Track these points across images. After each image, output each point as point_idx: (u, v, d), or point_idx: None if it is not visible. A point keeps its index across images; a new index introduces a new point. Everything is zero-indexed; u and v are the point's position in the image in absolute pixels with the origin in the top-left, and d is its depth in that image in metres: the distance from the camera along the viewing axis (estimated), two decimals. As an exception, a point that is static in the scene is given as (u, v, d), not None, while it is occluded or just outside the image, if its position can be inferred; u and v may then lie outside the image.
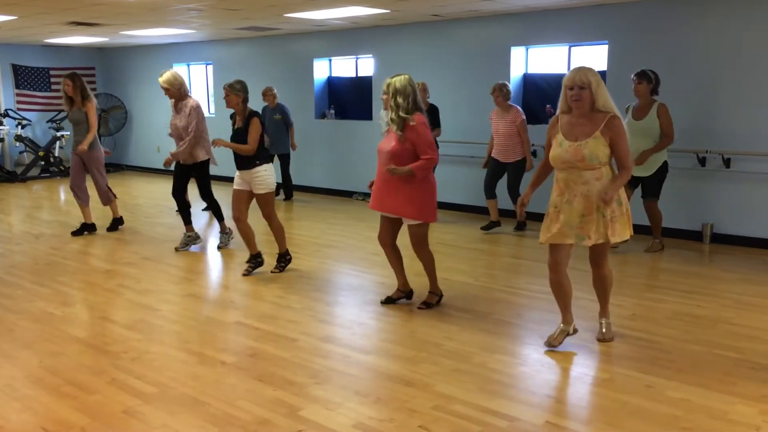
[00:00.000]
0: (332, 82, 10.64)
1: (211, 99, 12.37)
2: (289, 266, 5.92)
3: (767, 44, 6.45)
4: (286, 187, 9.75)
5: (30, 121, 12.70)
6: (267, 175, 5.53)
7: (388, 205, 4.56)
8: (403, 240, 4.79)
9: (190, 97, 6.45)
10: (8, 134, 12.51)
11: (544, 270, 5.58)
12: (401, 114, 4.36)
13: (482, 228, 7.53)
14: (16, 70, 12.85)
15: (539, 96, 8.26)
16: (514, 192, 7.35)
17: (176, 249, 6.67)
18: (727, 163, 6.77)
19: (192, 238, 6.78)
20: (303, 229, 7.79)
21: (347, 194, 10.13)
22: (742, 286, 5.38)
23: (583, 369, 3.83)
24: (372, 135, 9.70)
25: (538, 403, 3.34)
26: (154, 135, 13.29)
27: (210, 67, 12.21)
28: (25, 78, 12.92)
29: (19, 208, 9.61)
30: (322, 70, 10.53)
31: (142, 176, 13.00)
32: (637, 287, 5.36)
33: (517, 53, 8.30)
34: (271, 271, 5.74)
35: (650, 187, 6.31)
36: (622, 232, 3.81)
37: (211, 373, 3.73)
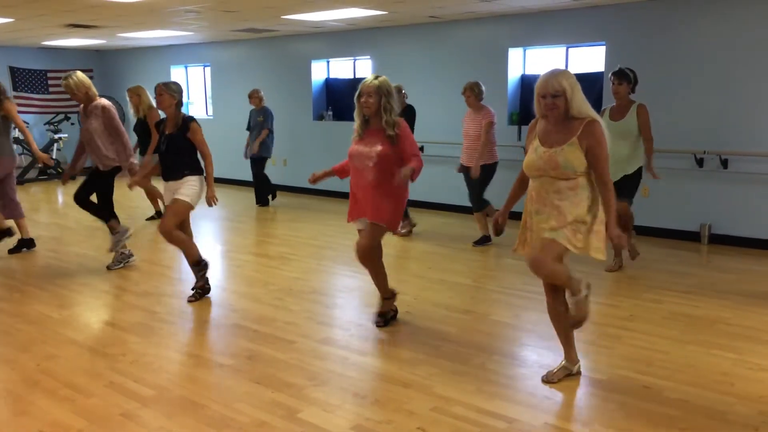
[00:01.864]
0: (330, 84, 10.65)
1: (209, 101, 12.37)
2: (286, 268, 5.91)
3: (764, 45, 6.46)
4: (267, 190, 9.60)
5: (27, 123, 12.68)
6: (193, 186, 4.99)
7: (367, 211, 4.30)
8: (387, 250, 4.70)
9: (100, 98, 5.97)
10: (6, 137, 12.49)
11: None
12: (394, 117, 4.20)
13: (474, 243, 7.01)
14: (14, 72, 12.83)
15: (532, 99, 8.25)
16: (477, 201, 6.85)
17: (112, 264, 6.07)
18: (724, 163, 6.78)
19: (122, 233, 6.13)
20: (300, 231, 7.79)
21: (345, 196, 10.11)
22: (740, 287, 5.38)
23: (581, 370, 3.82)
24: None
25: (537, 404, 3.34)
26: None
27: (208, 69, 12.20)
28: (23, 80, 12.90)
29: (17, 211, 9.58)
30: (319, 71, 10.53)
31: (140, 178, 12.98)
32: (634, 288, 5.36)
33: (514, 54, 8.30)
34: (187, 300, 5.10)
35: (626, 189, 5.68)
36: (597, 247, 3.38)
37: (209, 376, 3.72)
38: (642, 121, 5.62)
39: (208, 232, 8.12)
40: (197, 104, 12.93)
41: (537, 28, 7.95)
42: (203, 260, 5.18)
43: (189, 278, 5.94)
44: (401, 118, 4.28)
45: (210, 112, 12.33)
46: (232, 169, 11.30)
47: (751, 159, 6.58)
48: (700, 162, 6.93)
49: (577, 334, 4.36)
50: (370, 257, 4.39)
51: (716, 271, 5.97)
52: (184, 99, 5.15)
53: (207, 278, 5.21)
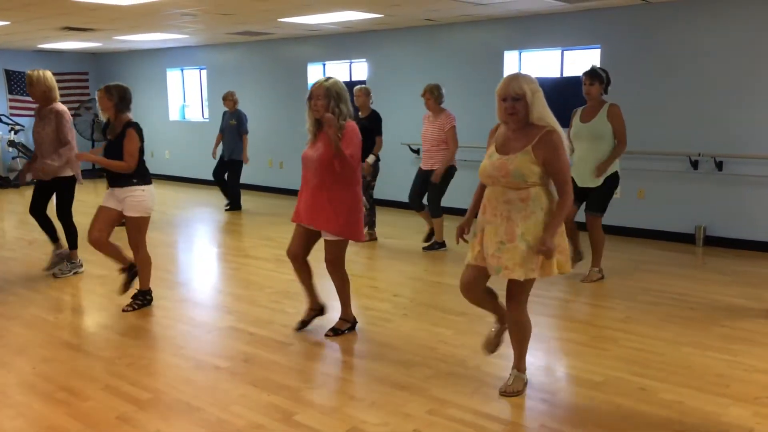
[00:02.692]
0: (326, 87, 10.64)
1: (205, 104, 12.37)
2: (283, 270, 5.90)
3: (758, 47, 6.50)
4: (234, 196, 9.38)
5: (23, 126, 12.65)
6: (144, 196, 4.76)
7: (312, 218, 4.14)
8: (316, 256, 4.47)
9: (57, 102, 5.71)
10: (1, 140, 12.47)
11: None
12: (341, 121, 4.03)
13: (424, 248, 6.85)
14: (9, 75, 12.81)
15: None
16: (434, 207, 6.67)
17: (54, 275, 5.86)
18: (719, 166, 6.81)
19: (62, 256, 5.96)
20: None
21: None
22: (735, 289, 5.40)
23: (577, 372, 3.84)
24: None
25: (533, 406, 3.35)
26: (148, 140, 13.11)
27: (204, 72, 12.20)
28: (18, 83, 12.87)
29: (12, 214, 9.57)
30: (316, 74, 10.54)
31: (135, 181, 12.97)
32: (630, 290, 5.38)
33: (510, 57, 8.32)
34: (123, 309, 4.91)
35: (596, 201, 5.48)
36: (561, 263, 3.26)
37: (205, 379, 3.72)
38: (617, 122, 5.32)
39: (204, 235, 8.12)
40: (193, 107, 12.93)
41: (532, 31, 7.98)
42: (134, 266, 5.03)
43: (185, 281, 5.94)
44: (351, 122, 4.07)
45: (206, 114, 12.32)
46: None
47: (745, 161, 6.60)
48: (694, 164, 6.96)
49: (573, 336, 4.39)
50: (337, 270, 4.30)
51: (711, 273, 5.99)
52: (131, 102, 4.92)
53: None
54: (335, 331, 4.38)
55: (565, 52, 8.04)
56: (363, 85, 7.20)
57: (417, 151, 8.77)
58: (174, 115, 12.88)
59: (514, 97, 3.14)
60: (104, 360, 3.99)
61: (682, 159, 7.05)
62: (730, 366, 3.83)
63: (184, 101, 12.85)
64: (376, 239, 7.32)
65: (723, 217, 6.88)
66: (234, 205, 9.40)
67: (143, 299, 4.98)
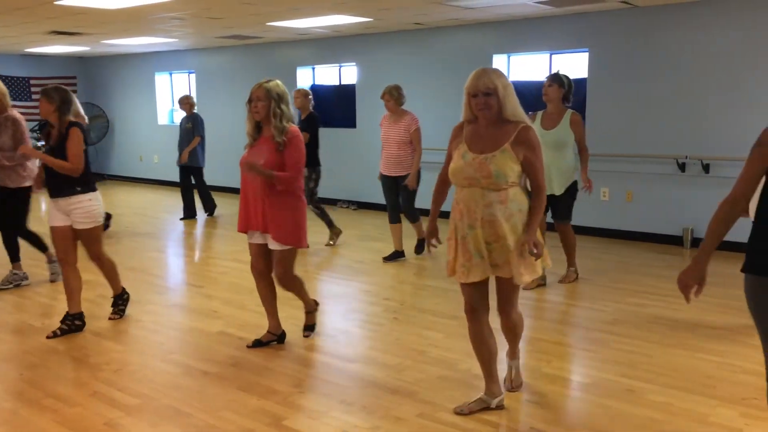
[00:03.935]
0: (315, 90, 10.64)
1: (195, 109, 12.30)
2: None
3: (744, 51, 6.56)
4: (207, 202, 9.16)
5: (10, 130, 12.56)
6: (91, 205, 4.43)
7: (263, 224, 4.02)
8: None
9: (11, 109, 5.47)
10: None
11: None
12: (284, 123, 3.90)
13: (384, 258, 6.60)
14: (-4, 79, 12.73)
15: (521, 103, 8.31)
16: (410, 212, 6.48)
17: (51, 281, 5.81)
18: (706, 168, 6.86)
19: (18, 277, 5.73)
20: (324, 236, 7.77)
21: (331, 202, 10.12)
22: (722, 290, 5.43)
23: (566, 374, 3.85)
24: (356, 142, 9.73)
25: (522, 408, 3.35)
26: (136, 144, 13.22)
27: (193, 76, 12.17)
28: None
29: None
30: (305, 78, 10.54)
31: (124, 186, 12.92)
32: (618, 292, 5.40)
33: (499, 61, 8.36)
34: (110, 317, 4.81)
35: (563, 209, 5.48)
36: (535, 267, 3.16)
37: (194, 384, 3.70)
38: (579, 130, 5.30)
39: (192, 239, 8.09)
40: (182, 111, 12.87)
41: (521, 34, 8.01)
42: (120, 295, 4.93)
43: (174, 286, 5.92)
44: (294, 127, 3.96)
45: (195, 118, 12.28)
46: (215, 177, 11.27)
47: (732, 164, 6.66)
48: (682, 167, 7.01)
49: (562, 338, 4.41)
50: (290, 283, 4.21)
51: (699, 274, 6.01)
52: (77, 105, 4.52)
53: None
54: (311, 328, 4.46)
55: (553, 56, 8.09)
56: (302, 87, 7.15)
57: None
58: (163, 119, 12.83)
59: (485, 92, 3.01)
60: (92, 366, 3.97)
61: (669, 162, 7.10)
62: (718, 367, 3.86)
63: (172, 105, 12.80)
64: (340, 231, 7.35)
65: (710, 219, 6.92)
66: (211, 211, 9.19)
67: (122, 301, 4.91)
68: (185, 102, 9.08)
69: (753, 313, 2.37)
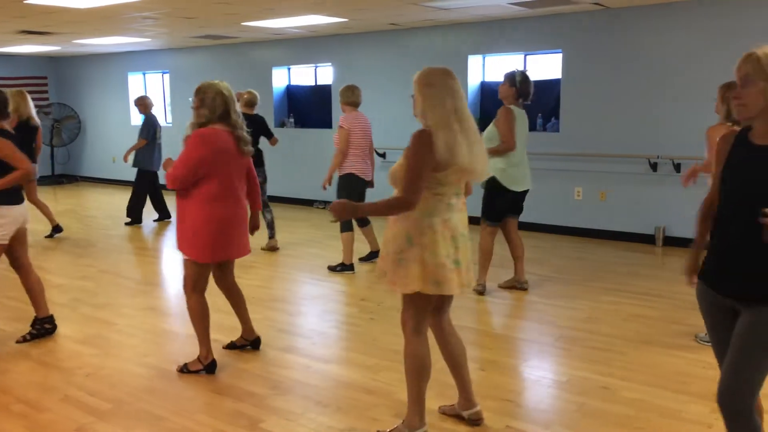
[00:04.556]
0: (291, 91, 10.61)
1: (168, 108, 12.21)
2: (248, 276, 5.84)
3: (712, 52, 6.67)
4: (135, 207, 8.68)
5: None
6: (5, 221, 4.07)
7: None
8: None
9: None
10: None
11: (504, 275, 5.66)
12: (194, 121, 3.72)
13: (360, 258, 6.43)
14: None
15: (496, 104, 8.34)
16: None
17: None
18: (677, 168, 6.97)
19: None
20: (261, 239, 7.72)
21: (308, 203, 10.09)
22: (694, 288, 5.52)
23: (542, 372, 3.88)
24: (332, 143, 9.68)
25: (498, 407, 3.37)
26: (109, 145, 13.04)
27: (167, 76, 12.05)
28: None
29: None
30: (281, 78, 10.49)
31: (96, 187, 12.73)
32: (592, 290, 5.46)
33: (474, 61, 8.40)
34: (17, 341, 4.37)
35: (482, 205, 5.28)
36: (404, 281, 2.86)
37: (169, 387, 3.66)
38: (499, 124, 5.06)
39: (167, 242, 8.00)
40: (155, 111, 12.72)
41: (496, 35, 8.06)
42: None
43: (148, 288, 5.85)
44: (198, 129, 3.65)
45: (169, 119, 12.16)
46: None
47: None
48: (653, 166, 7.11)
49: (537, 337, 4.44)
50: (186, 300, 3.86)
51: (671, 272, 6.11)
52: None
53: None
54: (183, 369, 3.88)
55: (528, 57, 8.15)
56: (250, 89, 7.04)
57: (383, 155, 8.77)
58: (136, 120, 12.66)
59: (412, 94, 2.91)
60: (63, 370, 3.90)
61: (641, 161, 7.19)
62: (690, 364, 3.91)
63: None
64: (276, 246, 7.06)
65: (681, 218, 7.03)
66: (136, 219, 8.67)
67: (41, 328, 4.45)
68: (139, 102, 8.70)
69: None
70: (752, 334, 2.19)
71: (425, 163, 2.75)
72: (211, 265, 3.88)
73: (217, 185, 3.63)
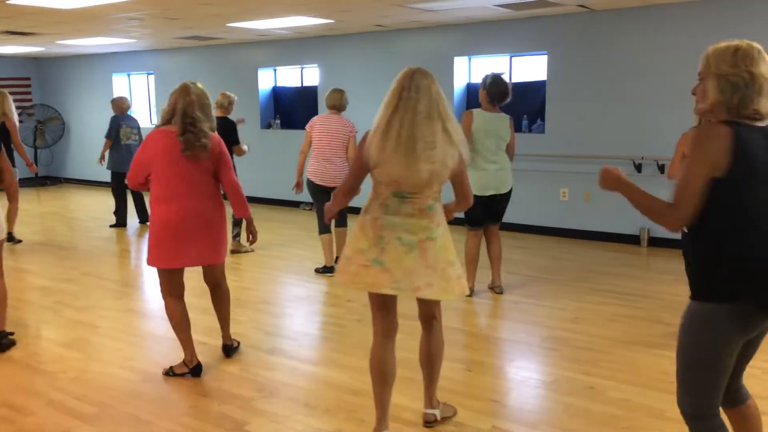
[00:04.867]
0: (277, 92, 10.58)
1: (153, 110, 12.13)
2: (234, 278, 5.81)
3: (695, 54, 6.72)
4: (124, 210, 8.61)
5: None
6: None
7: None
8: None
9: None
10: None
11: (489, 277, 5.68)
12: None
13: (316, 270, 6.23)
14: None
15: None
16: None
17: None
18: (661, 169, 7.03)
19: None
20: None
21: (294, 204, 10.07)
22: (678, 287, 5.57)
23: (528, 372, 3.90)
24: (318, 145, 9.68)
25: (484, 408, 3.38)
26: (92, 147, 12.90)
27: (152, 77, 11.97)
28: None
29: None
30: (267, 79, 10.46)
31: (80, 189, 12.62)
32: (578, 291, 5.49)
33: (460, 63, 8.43)
34: None
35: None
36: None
37: (154, 391, 3.64)
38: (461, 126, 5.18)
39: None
40: (140, 113, 12.66)
41: (481, 37, 8.09)
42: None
43: (132, 291, 5.81)
44: (155, 129, 3.74)
45: (154, 120, 12.08)
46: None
47: (686, 164, 6.83)
48: (638, 167, 7.17)
49: (524, 337, 4.46)
50: (163, 297, 3.89)
51: (656, 272, 6.17)
52: None
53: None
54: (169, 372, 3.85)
55: (513, 58, 8.19)
56: (224, 92, 6.96)
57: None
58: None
59: None
60: (47, 374, 3.86)
61: (626, 162, 7.24)
62: (674, 363, 3.93)
63: (131, 107, 12.56)
64: (241, 251, 6.90)
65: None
66: (121, 221, 8.57)
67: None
68: (111, 102, 8.63)
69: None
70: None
71: (357, 161, 2.95)
72: (175, 270, 3.75)
73: (159, 187, 3.62)
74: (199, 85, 3.74)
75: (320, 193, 5.91)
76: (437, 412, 3.19)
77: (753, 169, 2.06)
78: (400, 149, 2.78)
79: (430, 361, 3.14)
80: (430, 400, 3.18)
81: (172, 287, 3.79)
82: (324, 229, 5.97)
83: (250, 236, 3.97)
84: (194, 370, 3.79)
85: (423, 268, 2.85)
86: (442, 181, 2.91)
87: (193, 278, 6.07)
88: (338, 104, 6.05)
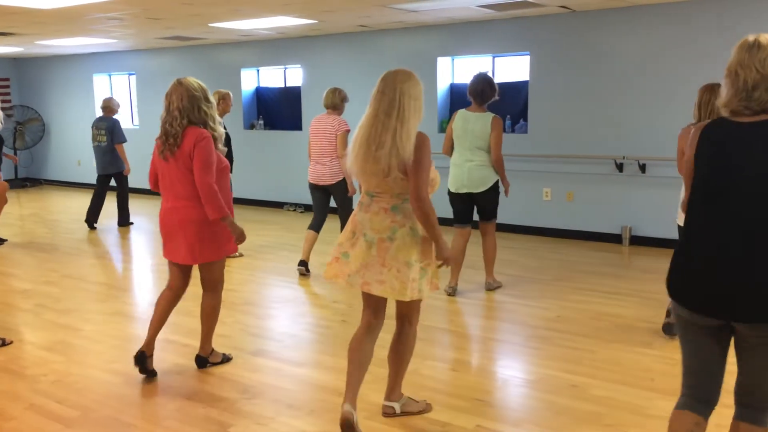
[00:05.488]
0: (261, 93, 10.54)
1: (135, 111, 12.04)
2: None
3: (678, 54, 6.81)
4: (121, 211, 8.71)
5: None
6: None
7: None
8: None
9: None
10: None
11: (476, 276, 5.70)
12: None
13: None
14: None
15: (465, 105, 8.40)
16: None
17: None
18: (642, 168, 7.09)
19: None
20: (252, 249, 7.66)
21: (278, 205, 10.04)
22: (660, 286, 5.59)
23: (512, 371, 3.92)
24: (302, 145, 9.66)
25: (469, 407, 3.39)
26: (73, 148, 12.81)
27: (133, 78, 11.88)
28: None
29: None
30: (250, 80, 10.42)
31: (61, 190, 12.49)
32: (561, 290, 5.53)
33: (443, 63, 8.45)
34: None
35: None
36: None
37: (137, 393, 3.61)
38: None
39: (135, 245, 7.89)
40: (122, 114, 12.55)
41: (464, 37, 8.12)
42: None
43: (114, 293, 5.76)
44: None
45: (136, 121, 11.98)
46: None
47: (667, 164, 6.90)
48: (620, 167, 7.23)
49: (508, 337, 4.49)
50: None
51: (637, 271, 6.22)
52: None
53: None
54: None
55: (496, 59, 8.22)
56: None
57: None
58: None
59: None
60: (28, 378, 3.82)
61: (608, 162, 7.31)
62: (655, 360, 3.99)
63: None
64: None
65: (647, 218, 7.16)
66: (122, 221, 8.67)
67: None
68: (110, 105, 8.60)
69: None
70: None
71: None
72: (172, 263, 3.83)
73: (160, 184, 3.78)
74: (191, 79, 3.71)
75: (314, 191, 6.08)
76: (396, 405, 3.26)
77: None
78: (356, 149, 2.97)
79: (395, 360, 3.24)
80: (389, 393, 3.27)
81: (170, 278, 3.90)
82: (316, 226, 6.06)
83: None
84: (136, 357, 3.78)
85: (378, 265, 2.95)
86: (397, 183, 2.93)
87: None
88: (329, 103, 6.08)
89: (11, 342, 4.39)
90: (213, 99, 3.77)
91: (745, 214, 2.10)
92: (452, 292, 5.32)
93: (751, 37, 2.15)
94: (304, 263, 6.05)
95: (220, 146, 3.74)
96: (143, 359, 3.78)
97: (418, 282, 2.98)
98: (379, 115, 2.92)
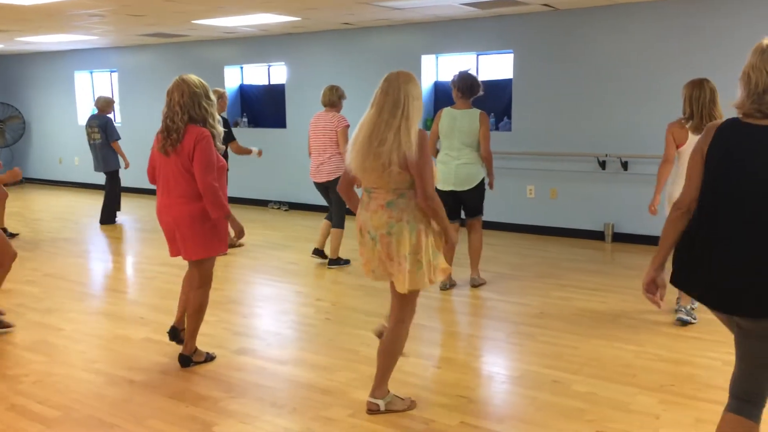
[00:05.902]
0: (244, 90, 10.49)
1: (117, 108, 11.92)
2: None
3: (658, 53, 6.87)
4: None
5: None
6: None
7: None
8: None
9: None
10: None
11: (461, 273, 5.72)
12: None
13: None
14: None
15: (449, 103, 8.42)
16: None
17: None
18: (624, 166, 7.15)
19: None
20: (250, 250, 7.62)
21: (262, 203, 10.01)
22: (641, 282, 5.68)
23: (495, 368, 3.95)
24: (286, 143, 9.64)
25: (452, 404, 3.41)
26: (55, 146, 12.68)
27: (115, 75, 11.77)
28: None
29: None
30: (233, 77, 10.36)
31: (42, 189, 12.36)
32: (544, 286, 5.56)
33: (427, 61, 8.46)
34: None
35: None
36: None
37: (119, 393, 3.59)
38: None
39: (117, 244, 7.83)
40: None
41: (448, 35, 8.13)
42: None
43: (96, 292, 5.72)
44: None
45: (118, 119, 11.88)
46: (141, 179, 10.96)
47: (648, 161, 6.96)
48: (602, 164, 7.29)
49: (491, 333, 4.51)
50: None
51: (620, 267, 6.28)
52: None
53: None
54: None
55: (480, 57, 8.25)
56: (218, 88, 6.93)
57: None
58: (83, 119, 12.35)
59: None
60: (9, 378, 3.78)
61: (590, 160, 7.36)
62: (637, 356, 4.03)
63: (94, 105, 12.34)
64: (235, 245, 7.03)
65: (629, 215, 7.23)
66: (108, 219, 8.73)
67: None
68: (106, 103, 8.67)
69: None
70: None
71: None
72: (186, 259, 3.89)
73: (156, 177, 3.85)
74: (192, 76, 3.75)
75: (317, 188, 6.23)
76: (381, 402, 3.28)
77: None
78: (356, 145, 3.06)
79: (382, 355, 3.29)
80: (375, 389, 3.30)
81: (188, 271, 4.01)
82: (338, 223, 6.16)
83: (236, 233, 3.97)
84: (169, 332, 4.12)
85: (387, 260, 3.12)
86: (394, 178, 3.02)
87: (160, 278, 6.01)
88: (327, 100, 6.13)
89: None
90: (213, 97, 3.80)
91: (754, 216, 2.14)
92: (443, 287, 5.40)
93: (765, 41, 2.19)
94: (318, 251, 6.33)
95: (219, 144, 3.76)
96: (176, 333, 4.07)
97: (416, 274, 3.08)
98: (383, 114, 3.01)
